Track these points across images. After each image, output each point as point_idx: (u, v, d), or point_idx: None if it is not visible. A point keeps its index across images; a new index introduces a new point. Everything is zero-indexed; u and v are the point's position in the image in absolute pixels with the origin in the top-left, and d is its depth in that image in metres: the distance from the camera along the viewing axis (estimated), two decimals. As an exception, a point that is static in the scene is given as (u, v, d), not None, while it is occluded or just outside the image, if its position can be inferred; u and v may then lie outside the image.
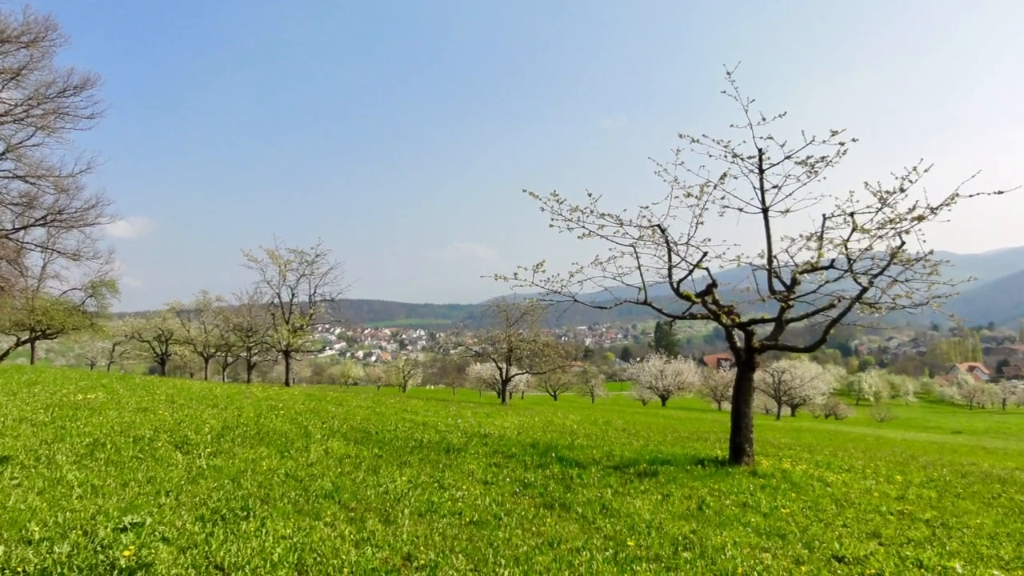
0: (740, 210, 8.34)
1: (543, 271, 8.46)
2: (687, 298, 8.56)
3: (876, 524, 5.95)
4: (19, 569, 3.57)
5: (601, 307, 8.80)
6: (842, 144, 7.53)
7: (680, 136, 7.82)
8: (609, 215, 8.41)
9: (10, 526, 4.22)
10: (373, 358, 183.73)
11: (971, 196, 7.10)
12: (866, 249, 7.83)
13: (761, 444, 12.39)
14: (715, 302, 8.50)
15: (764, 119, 7.60)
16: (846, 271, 7.91)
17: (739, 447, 8.40)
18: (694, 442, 11.85)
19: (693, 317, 8.90)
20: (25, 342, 32.40)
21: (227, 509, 4.88)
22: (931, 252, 7.57)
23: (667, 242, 8.37)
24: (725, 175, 8.10)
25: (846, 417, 58.51)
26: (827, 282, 8.08)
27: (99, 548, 3.89)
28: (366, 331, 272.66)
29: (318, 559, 4.01)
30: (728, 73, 7.61)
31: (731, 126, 7.69)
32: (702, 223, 8.29)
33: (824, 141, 7.48)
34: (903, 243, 7.64)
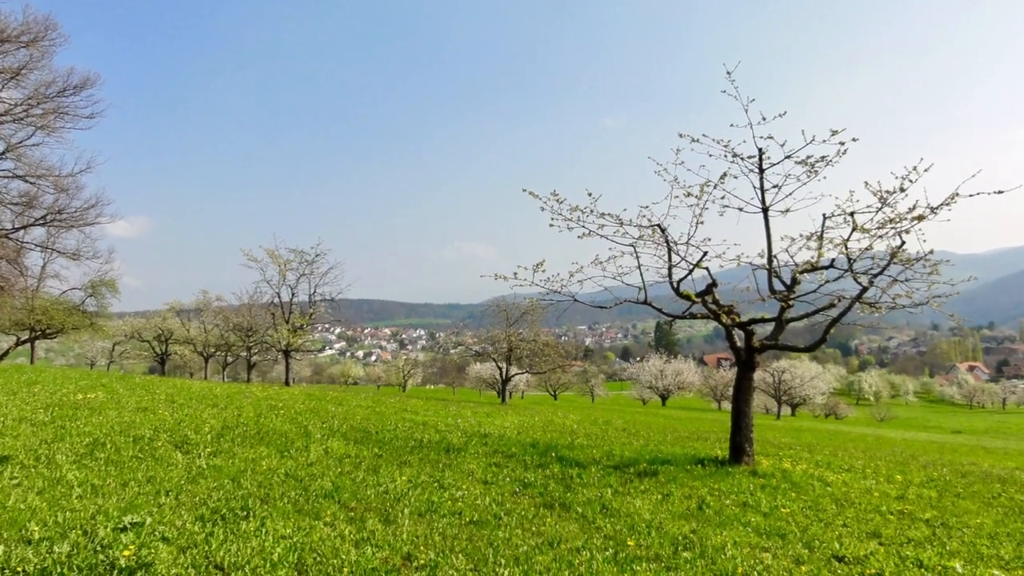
0: (740, 210, 8.34)
1: (543, 271, 8.46)
2: (687, 298, 8.56)
3: (876, 524, 5.95)
4: (19, 569, 3.57)
5: (601, 307, 8.80)
6: (842, 144, 7.53)
7: (680, 136, 7.83)
8: (609, 215, 8.41)
9: (10, 526, 4.22)
10: (373, 358, 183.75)
11: (971, 196, 7.11)
12: (866, 249, 7.83)
13: (761, 444, 12.38)
14: (715, 302, 8.49)
15: (764, 119, 7.60)
16: (846, 271, 7.91)
17: (739, 447, 8.40)
18: (694, 442, 11.84)
19: (693, 317, 8.90)
20: (25, 342, 32.43)
21: (227, 509, 4.88)
22: (931, 252, 7.57)
23: (667, 242, 8.37)
24: (725, 175, 8.09)
25: (846, 417, 58.51)
26: (827, 282, 8.08)
27: (99, 548, 3.89)
28: (366, 331, 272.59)
29: (318, 559, 4.01)
30: (728, 73, 7.61)
31: (731, 126, 7.70)
32: (702, 223, 8.30)
33: (824, 141, 7.49)
34: (903, 243, 7.65)
